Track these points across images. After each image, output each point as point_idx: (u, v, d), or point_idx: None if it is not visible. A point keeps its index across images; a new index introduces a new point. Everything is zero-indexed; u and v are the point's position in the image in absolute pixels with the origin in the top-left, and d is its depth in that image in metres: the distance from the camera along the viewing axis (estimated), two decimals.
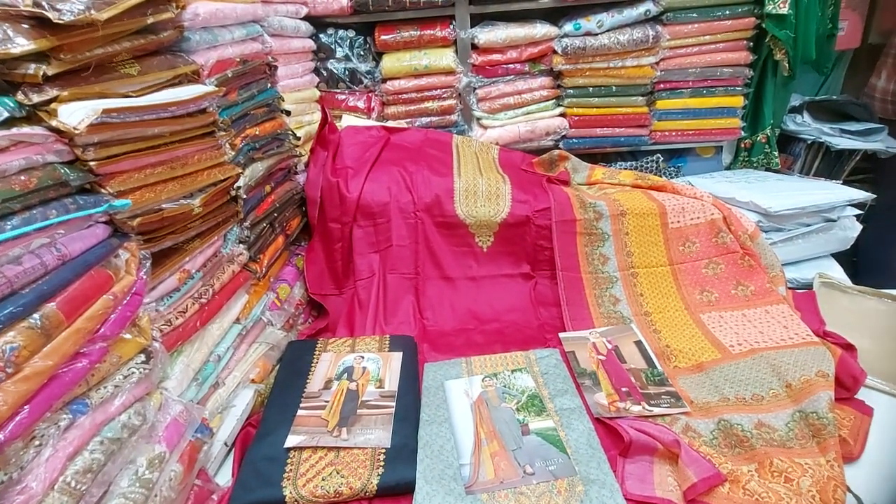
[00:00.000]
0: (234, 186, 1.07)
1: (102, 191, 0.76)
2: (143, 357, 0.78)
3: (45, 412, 0.62)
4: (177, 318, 0.90)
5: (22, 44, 0.66)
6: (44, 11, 0.67)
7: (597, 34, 1.66)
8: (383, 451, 0.93)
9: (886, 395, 1.06)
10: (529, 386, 1.08)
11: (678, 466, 0.88)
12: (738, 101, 1.77)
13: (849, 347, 1.12)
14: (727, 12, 1.64)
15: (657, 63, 1.71)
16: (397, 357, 1.17)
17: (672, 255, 1.38)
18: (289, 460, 0.91)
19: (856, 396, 1.04)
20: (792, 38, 1.64)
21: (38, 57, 0.69)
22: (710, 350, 1.16)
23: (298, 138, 1.43)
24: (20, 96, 0.68)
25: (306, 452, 0.93)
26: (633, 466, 0.91)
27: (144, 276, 0.79)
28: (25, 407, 0.59)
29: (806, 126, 1.90)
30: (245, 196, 1.11)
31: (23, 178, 0.64)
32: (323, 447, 0.94)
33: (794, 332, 1.14)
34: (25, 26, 0.67)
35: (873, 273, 1.93)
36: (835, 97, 2.01)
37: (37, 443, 0.62)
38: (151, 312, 0.84)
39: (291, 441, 0.94)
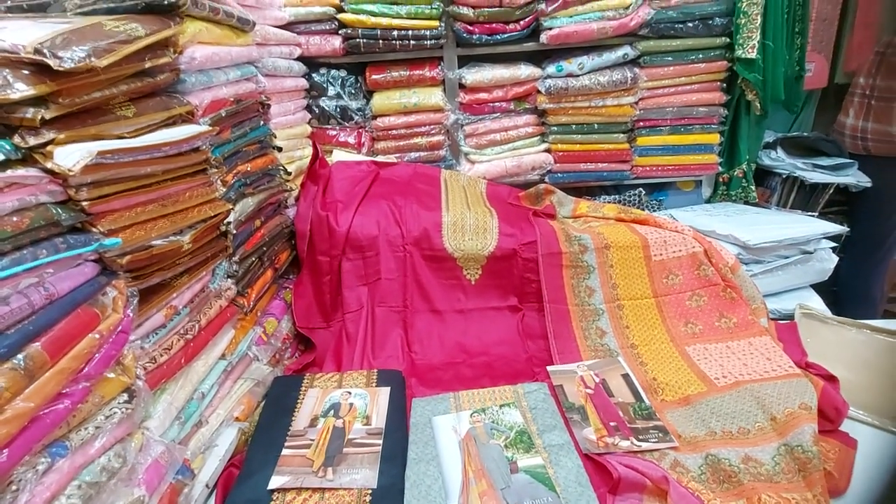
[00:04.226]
0: (225, 222, 1.08)
1: (93, 229, 0.76)
2: (125, 396, 0.77)
3: (24, 456, 0.61)
4: (162, 356, 0.88)
5: (21, 89, 0.67)
6: (44, 59, 0.69)
7: (578, 75, 1.74)
8: (369, 491, 0.91)
9: (869, 426, 1.07)
10: (518, 422, 1.08)
11: None
12: (715, 138, 1.85)
13: (831, 379, 1.14)
14: (700, 56, 1.74)
15: (636, 102, 1.79)
16: (385, 392, 1.16)
17: (656, 287, 1.41)
18: (272, 502, 0.89)
19: (840, 428, 1.05)
20: (761, 81, 1.73)
21: (37, 101, 0.70)
22: (696, 383, 1.17)
23: (289, 173, 1.46)
24: (17, 139, 0.69)
25: (290, 494, 0.91)
26: None
27: (131, 314, 0.79)
28: (4, 451, 0.58)
29: (780, 161, 1.98)
30: (235, 231, 1.12)
31: (15, 219, 0.65)
32: (307, 488, 0.92)
33: (777, 363, 1.15)
34: (26, 72, 0.69)
35: (853, 303, 1.98)
36: (806, 134, 2.11)
37: (14, 488, 0.60)
38: (136, 350, 0.83)
39: (275, 482, 0.92)
